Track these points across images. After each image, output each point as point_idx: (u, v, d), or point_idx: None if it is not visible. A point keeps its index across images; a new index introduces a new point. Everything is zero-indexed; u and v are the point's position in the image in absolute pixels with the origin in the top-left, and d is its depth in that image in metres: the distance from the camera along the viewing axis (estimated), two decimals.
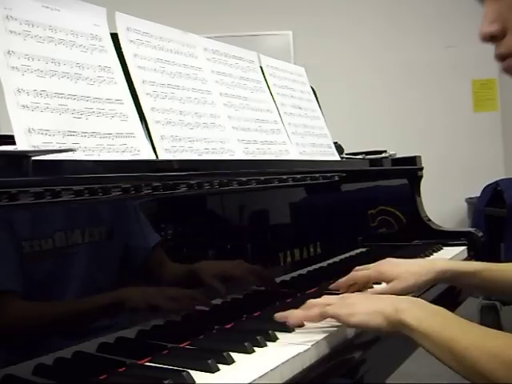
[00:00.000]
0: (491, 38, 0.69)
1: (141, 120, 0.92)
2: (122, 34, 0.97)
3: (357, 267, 1.09)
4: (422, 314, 0.78)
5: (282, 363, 0.72)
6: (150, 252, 0.84)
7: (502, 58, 0.70)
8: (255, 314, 0.96)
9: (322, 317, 0.84)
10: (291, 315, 0.85)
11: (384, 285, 1.06)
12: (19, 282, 0.66)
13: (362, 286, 1.09)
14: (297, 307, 0.92)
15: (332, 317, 0.83)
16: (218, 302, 0.92)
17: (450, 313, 0.79)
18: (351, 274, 1.08)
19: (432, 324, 0.75)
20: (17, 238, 0.65)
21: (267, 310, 0.98)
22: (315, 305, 0.87)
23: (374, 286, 1.11)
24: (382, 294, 1.03)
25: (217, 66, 1.16)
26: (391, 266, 1.07)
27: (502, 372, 0.66)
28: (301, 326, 0.85)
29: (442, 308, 0.80)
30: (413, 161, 1.80)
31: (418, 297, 1.11)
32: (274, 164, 1.16)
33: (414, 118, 4.03)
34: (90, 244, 0.73)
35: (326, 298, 0.89)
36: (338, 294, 1.06)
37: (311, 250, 1.19)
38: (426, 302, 0.83)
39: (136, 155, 0.87)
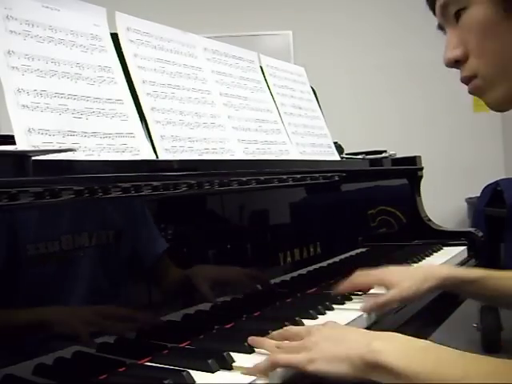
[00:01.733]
0: (455, 63, 0.72)
1: (141, 120, 0.92)
2: (121, 33, 0.97)
3: (358, 271, 1.06)
4: (406, 352, 0.66)
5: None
6: (150, 252, 0.84)
7: (467, 80, 0.73)
8: (255, 314, 0.96)
9: (274, 366, 0.69)
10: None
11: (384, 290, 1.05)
12: (21, 280, 0.66)
13: (363, 291, 1.09)
14: (296, 307, 0.92)
15: (285, 366, 0.70)
16: (217, 301, 0.92)
17: (439, 346, 0.67)
18: (353, 278, 1.05)
19: (423, 362, 0.64)
20: (18, 239, 0.65)
21: (267, 310, 0.98)
22: (290, 334, 0.78)
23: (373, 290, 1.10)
24: (373, 293, 1.01)
25: (217, 65, 1.16)
26: (393, 272, 1.05)
27: None
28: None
29: (427, 341, 0.70)
30: (413, 161, 1.80)
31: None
32: (274, 164, 1.16)
33: (413, 118, 4.03)
34: (90, 244, 0.73)
35: (297, 332, 0.77)
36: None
37: (311, 249, 1.19)
38: (407, 337, 0.71)
39: (136, 155, 0.87)
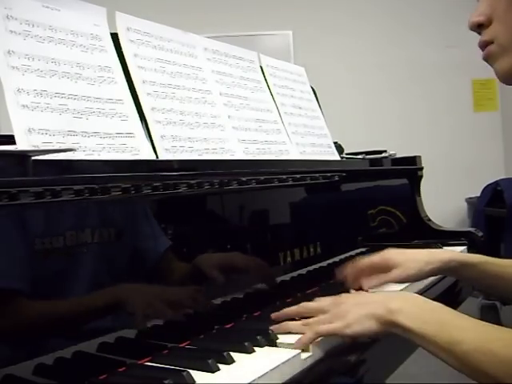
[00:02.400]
0: (478, 27, 0.74)
1: (141, 120, 0.92)
2: (122, 33, 0.97)
3: (360, 258, 1.08)
4: (417, 314, 0.75)
5: (282, 363, 0.72)
6: (150, 252, 0.84)
7: (484, 45, 0.74)
8: (255, 314, 0.96)
9: (317, 336, 0.79)
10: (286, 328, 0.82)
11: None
12: (21, 281, 0.66)
13: (367, 275, 1.09)
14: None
15: (327, 334, 0.80)
16: (218, 301, 0.92)
17: (447, 308, 0.76)
18: (357, 261, 1.07)
19: (429, 324, 0.73)
20: (18, 238, 0.65)
21: (267, 309, 0.98)
22: (303, 311, 0.85)
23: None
24: (376, 291, 1.02)
25: (217, 65, 1.16)
26: (396, 253, 1.06)
27: (506, 375, 0.65)
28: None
29: (437, 303, 0.78)
30: (413, 161, 1.80)
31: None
32: (274, 164, 1.16)
33: (414, 118, 4.03)
34: (90, 244, 0.73)
35: (318, 307, 0.85)
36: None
37: (311, 249, 1.19)
38: (419, 298, 0.80)
39: (136, 155, 0.87)
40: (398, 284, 1.13)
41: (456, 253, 1.10)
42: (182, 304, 0.86)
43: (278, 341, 0.79)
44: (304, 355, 0.76)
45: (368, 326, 0.77)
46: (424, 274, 1.05)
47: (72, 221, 0.72)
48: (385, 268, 1.06)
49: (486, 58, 0.75)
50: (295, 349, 0.76)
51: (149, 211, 0.85)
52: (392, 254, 1.06)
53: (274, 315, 0.87)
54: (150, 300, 0.81)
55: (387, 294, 0.86)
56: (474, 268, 1.05)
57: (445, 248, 1.64)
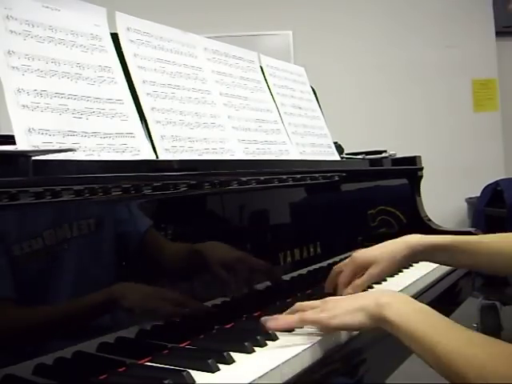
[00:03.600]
0: None
1: (141, 120, 0.92)
2: (122, 33, 0.97)
3: (335, 266, 1.08)
4: (405, 311, 0.75)
5: (282, 363, 0.72)
6: (150, 252, 0.84)
7: None
8: (255, 314, 0.96)
9: (302, 323, 0.82)
10: (271, 320, 0.83)
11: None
12: (21, 280, 0.66)
13: (348, 281, 1.08)
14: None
15: (312, 323, 0.81)
16: (217, 301, 0.92)
17: (434, 311, 0.76)
18: (330, 275, 1.07)
19: (416, 323, 0.73)
20: (17, 238, 0.65)
21: (267, 309, 0.98)
22: (299, 309, 0.86)
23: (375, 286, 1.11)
24: (363, 289, 1.02)
25: (217, 65, 1.16)
26: (363, 253, 1.06)
27: (482, 382, 0.63)
28: (279, 330, 0.83)
29: (425, 305, 0.78)
30: (413, 161, 1.80)
31: (416, 298, 1.11)
32: (274, 164, 1.16)
33: (414, 118, 4.02)
34: (90, 244, 0.73)
35: (309, 304, 0.87)
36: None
37: (311, 249, 1.19)
38: (409, 298, 0.81)
39: (136, 155, 0.87)
40: (396, 286, 1.14)
41: (425, 236, 1.09)
42: (178, 302, 0.86)
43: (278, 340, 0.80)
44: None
45: (355, 318, 0.78)
46: (397, 263, 1.04)
47: (71, 221, 0.72)
48: (359, 269, 1.05)
49: None
50: (277, 327, 0.81)
51: (149, 211, 0.85)
52: (359, 256, 1.05)
53: (262, 319, 0.84)
54: (150, 298, 0.82)
55: (377, 290, 0.88)
56: (445, 249, 1.05)
57: None
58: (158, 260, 0.85)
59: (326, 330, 0.82)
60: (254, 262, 1.02)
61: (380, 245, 1.08)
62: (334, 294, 1.04)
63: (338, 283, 1.05)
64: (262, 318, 0.84)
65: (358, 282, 1.01)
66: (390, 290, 0.87)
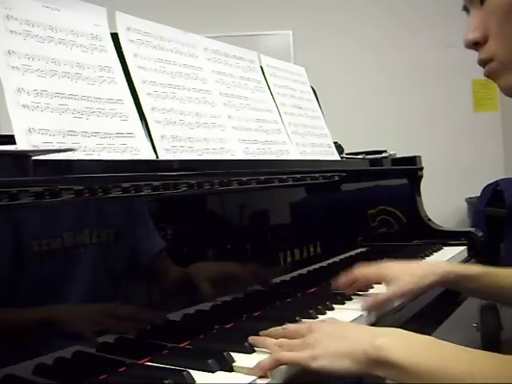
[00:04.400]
0: (474, 45, 0.72)
1: (141, 120, 0.92)
2: (122, 33, 0.97)
3: (360, 265, 1.08)
4: (411, 348, 0.66)
5: None
6: (150, 252, 0.84)
7: (483, 63, 0.72)
8: (255, 314, 0.96)
9: (277, 363, 0.70)
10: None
11: (384, 287, 1.05)
12: (21, 280, 0.66)
13: (362, 286, 1.09)
14: (296, 306, 0.92)
15: (288, 363, 0.71)
16: (218, 302, 0.92)
17: (437, 340, 0.69)
18: (353, 272, 1.07)
19: (427, 359, 0.64)
20: (17, 238, 0.65)
21: (267, 309, 0.98)
22: (288, 332, 0.78)
23: (375, 286, 1.11)
24: (374, 292, 1.02)
25: (217, 65, 1.16)
26: (393, 267, 1.05)
27: None
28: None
29: (424, 336, 0.70)
30: (413, 161, 1.80)
31: (417, 298, 1.11)
32: (274, 164, 1.16)
33: (413, 118, 4.02)
34: (90, 244, 0.73)
35: (296, 330, 0.78)
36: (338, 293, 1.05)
37: (311, 249, 1.19)
38: (405, 331, 0.71)
39: (136, 155, 0.87)
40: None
41: (454, 265, 1.10)
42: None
43: (234, 364, 0.71)
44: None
45: (338, 363, 0.68)
46: (421, 289, 1.04)
47: (71, 221, 0.72)
48: (380, 280, 1.05)
49: (489, 76, 0.73)
50: (252, 374, 0.69)
51: (149, 211, 0.85)
52: (388, 269, 1.05)
53: (251, 339, 0.78)
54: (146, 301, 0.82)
55: (369, 328, 0.77)
56: (473, 280, 1.04)
57: (445, 248, 1.64)
58: (157, 260, 0.85)
59: (306, 370, 0.71)
60: (246, 271, 1.01)
61: (409, 264, 1.08)
62: (338, 293, 1.04)
63: (351, 277, 1.05)
64: (251, 338, 0.77)
65: (381, 296, 1.00)
66: (381, 328, 0.75)
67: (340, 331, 0.74)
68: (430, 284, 1.04)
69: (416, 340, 0.69)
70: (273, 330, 0.81)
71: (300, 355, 0.71)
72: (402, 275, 1.02)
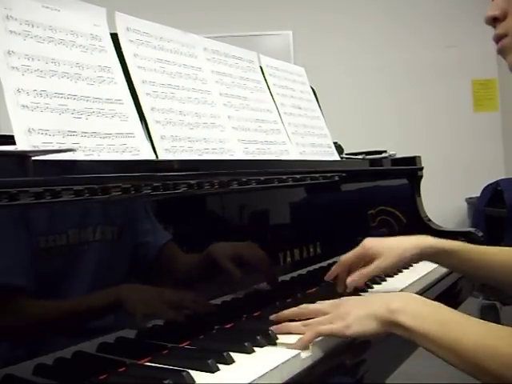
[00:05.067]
0: (494, 20, 0.74)
1: (141, 120, 0.92)
2: (121, 33, 0.97)
3: (342, 257, 1.09)
4: (418, 313, 0.75)
5: (282, 363, 0.72)
6: (150, 252, 0.84)
7: (498, 38, 0.75)
8: (255, 314, 0.96)
9: (318, 336, 0.79)
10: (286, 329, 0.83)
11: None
12: (21, 281, 0.66)
13: (354, 270, 1.08)
14: (296, 307, 0.92)
15: (327, 335, 0.80)
16: (217, 301, 0.92)
17: (447, 308, 0.77)
18: (339, 260, 1.08)
19: (429, 323, 0.74)
20: (18, 237, 0.65)
21: (267, 309, 0.98)
22: (305, 313, 0.86)
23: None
24: (374, 292, 1.04)
25: (217, 66, 1.16)
26: (375, 242, 1.07)
27: (507, 372, 0.65)
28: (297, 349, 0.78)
29: (436, 303, 0.78)
30: (413, 161, 1.80)
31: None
32: (274, 164, 1.16)
33: (413, 118, 4.03)
34: (90, 244, 0.73)
35: (319, 309, 0.86)
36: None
37: (311, 249, 1.19)
38: (420, 297, 0.81)
39: (136, 155, 0.87)
40: (397, 286, 1.14)
41: (438, 240, 1.10)
42: (182, 304, 0.86)
43: (277, 341, 0.80)
44: (304, 354, 0.76)
45: (368, 326, 0.78)
46: (404, 261, 1.06)
47: (71, 221, 0.72)
48: (367, 258, 1.06)
49: (500, 51, 0.76)
50: (295, 349, 0.77)
51: (149, 211, 0.85)
52: (372, 243, 1.07)
53: (273, 317, 0.88)
54: (151, 299, 0.82)
55: (387, 294, 0.87)
56: (454, 255, 1.06)
57: None
58: (157, 260, 0.85)
59: (341, 337, 0.82)
60: (261, 259, 1.03)
61: (392, 239, 1.10)
62: (332, 284, 1.06)
63: (339, 264, 1.06)
64: (274, 327, 0.83)
65: (364, 270, 1.03)
66: (398, 293, 0.87)
67: (362, 300, 0.85)
68: (413, 256, 1.06)
69: (425, 305, 0.78)
70: (288, 311, 0.87)
71: (335, 326, 0.79)
72: (384, 249, 1.04)
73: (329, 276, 1.08)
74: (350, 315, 0.80)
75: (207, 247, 0.92)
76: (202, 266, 0.91)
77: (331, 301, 0.88)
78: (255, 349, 0.77)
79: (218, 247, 0.93)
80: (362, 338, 0.81)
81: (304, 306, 0.89)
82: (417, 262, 1.13)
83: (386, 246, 1.05)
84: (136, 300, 0.79)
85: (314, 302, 0.93)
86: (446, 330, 0.72)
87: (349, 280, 1.02)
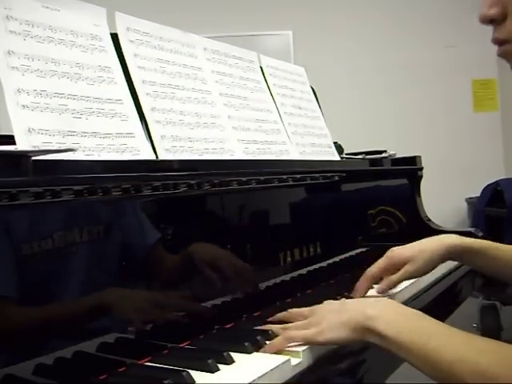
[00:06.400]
0: (491, 21, 0.68)
1: (141, 120, 0.92)
2: (121, 33, 0.97)
3: (368, 270, 1.05)
4: (395, 321, 0.72)
5: (282, 363, 0.72)
6: (150, 252, 0.84)
7: (500, 42, 0.69)
8: (255, 314, 0.96)
9: (289, 342, 0.77)
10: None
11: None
12: (18, 283, 0.66)
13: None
14: (296, 307, 0.92)
15: (298, 341, 0.77)
16: (217, 301, 0.92)
17: (429, 318, 0.73)
18: (364, 274, 1.04)
19: (408, 332, 0.70)
20: (17, 239, 0.65)
21: (267, 310, 0.98)
22: (285, 319, 0.85)
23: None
24: (367, 296, 1.01)
25: (217, 65, 1.16)
26: (401, 249, 1.06)
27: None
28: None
29: (419, 312, 0.75)
30: (413, 161, 1.80)
31: (417, 298, 1.11)
32: (274, 164, 1.16)
33: (413, 118, 4.03)
34: (90, 244, 0.73)
35: (300, 313, 0.85)
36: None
37: (311, 249, 1.19)
38: (400, 305, 0.78)
39: (136, 155, 0.87)
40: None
41: (460, 238, 1.10)
42: (184, 307, 0.86)
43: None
44: (304, 354, 0.76)
45: (342, 333, 0.75)
46: (434, 262, 1.05)
47: (71, 222, 0.72)
48: (395, 267, 1.05)
49: (502, 56, 0.70)
50: (265, 352, 0.76)
51: (149, 212, 0.85)
52: (396, 252, 1.05)
53: (269, 320, 0.88)
54: (161, 300, 0.82)
55: (364, 300, 0.85)
56: (476, 254, 1.06)
57: None
58: (157, 260, 0.85)
59: (315, 345, 0.78)
60: (239, 269, 0.99)
61: (416, 243, 1.09)
62: (333, 284, 1.06)
63: (366, 278, 1.02)
64: (260, 328, 0.83)
65: (393, 277, 1.02)
66: (377, 299, 0.83)
67: (338, 306, 0.81)
68: (440, 257, 1.06)
69: (402, 313, 0.74)
70: (279, 315, 0.88)
71: (308, 332, 0.77)
72: (412, 254, 1.04)
73: (359, 293, 1.02)
74: (324, 321, 0.77)
75: (207, 247, 0.92)
76: (203, 266, 0.91)
77: (311, 307, 0.85)
78: (255, 349, 0.77)
79: (199, 247, 0.91)
80: (335, 344, 0.79)
81: (290, 310, 0.87)
82: (444, 262, 1.11)
83: (412, 252, 1.04)
84: (140, 301, 0.79)
85: (313, 303, 0.93)
86: (423, 340, 0.68)
87: (379, 290, 1.01)
